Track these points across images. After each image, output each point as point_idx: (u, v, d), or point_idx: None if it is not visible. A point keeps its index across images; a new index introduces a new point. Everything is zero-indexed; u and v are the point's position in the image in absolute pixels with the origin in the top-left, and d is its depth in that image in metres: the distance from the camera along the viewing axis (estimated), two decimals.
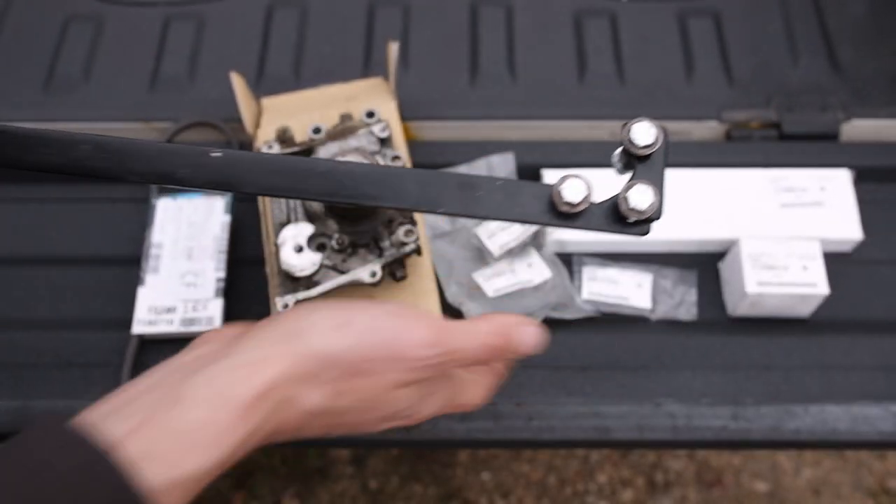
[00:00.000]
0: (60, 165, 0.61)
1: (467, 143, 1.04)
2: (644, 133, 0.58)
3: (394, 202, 0.59)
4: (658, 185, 0.58)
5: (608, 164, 1.03)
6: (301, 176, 0.61)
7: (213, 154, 0.61)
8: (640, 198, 0.57)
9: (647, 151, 0.58)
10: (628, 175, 0.61)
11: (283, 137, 0.88)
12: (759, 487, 1.66)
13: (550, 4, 1.17)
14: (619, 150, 0.61)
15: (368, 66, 1.12)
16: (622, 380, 0.91)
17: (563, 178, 0.57)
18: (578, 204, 0.57)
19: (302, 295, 0.80)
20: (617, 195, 0.59)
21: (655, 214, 0.58)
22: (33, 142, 0.60)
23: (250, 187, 0.61)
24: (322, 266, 0.81)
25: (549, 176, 1.00)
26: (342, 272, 0.81)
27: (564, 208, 0.58)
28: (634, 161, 0.60)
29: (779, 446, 0.92)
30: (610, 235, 0.94)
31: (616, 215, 0.59)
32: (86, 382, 0.92)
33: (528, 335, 0.60)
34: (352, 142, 0.87)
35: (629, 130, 0.59)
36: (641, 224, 0.59)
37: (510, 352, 0.60)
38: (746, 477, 1.67)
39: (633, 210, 0.57)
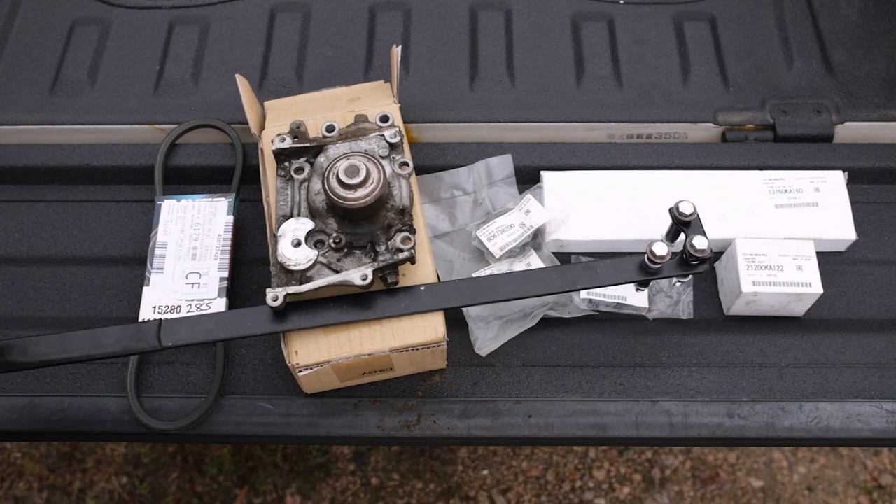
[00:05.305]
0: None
1: (467, 145, 1.06)
2: (687, 206, 0.85)
3: (544, 290, 0.85)
4: (705, 236, 0.84)
5: (606, 166, 1.05)
6: (481, 289, 0.85)
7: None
8: (699, 243, 0.83)
9: (690, 218, 0.85)
10: (675, 246, 0.87)
11: (297, 132, 0.89)
12: (754, 483, 1.68)
13: (548, 8, 1.18)
14: (669, 224, 0.88)
15: (370, 69, 1.13)
16: (619, 378, 0.93)
17: (652, 242, 0.82)
18: (664, 257, 0.82)
19: (293, 289, 0.81)
20: (683, 250, 0.84)
21: (710, 254, 0.84)
22: None
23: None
24: (317, 262, 0.82)
25: (549, 178, 1.01)
26: (336, 271, 0.82)
27: (654, 264, 0.83)
28: (682, 227, 0.86)
29: (773, 443, 0.93)
30: (607, 235, 0.97)
31: (683, 262, 0.85)
32: (92, 380, 0.93)
33: None
34: (362, 144, 0.88)
35: (678, 207, 0.85)
36: (702, 263, 0.84)
37: None
38: (742, 473, 1.69)
39: (697, 252, 0.83)
